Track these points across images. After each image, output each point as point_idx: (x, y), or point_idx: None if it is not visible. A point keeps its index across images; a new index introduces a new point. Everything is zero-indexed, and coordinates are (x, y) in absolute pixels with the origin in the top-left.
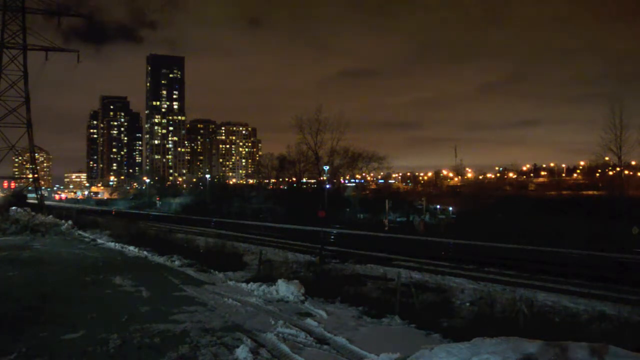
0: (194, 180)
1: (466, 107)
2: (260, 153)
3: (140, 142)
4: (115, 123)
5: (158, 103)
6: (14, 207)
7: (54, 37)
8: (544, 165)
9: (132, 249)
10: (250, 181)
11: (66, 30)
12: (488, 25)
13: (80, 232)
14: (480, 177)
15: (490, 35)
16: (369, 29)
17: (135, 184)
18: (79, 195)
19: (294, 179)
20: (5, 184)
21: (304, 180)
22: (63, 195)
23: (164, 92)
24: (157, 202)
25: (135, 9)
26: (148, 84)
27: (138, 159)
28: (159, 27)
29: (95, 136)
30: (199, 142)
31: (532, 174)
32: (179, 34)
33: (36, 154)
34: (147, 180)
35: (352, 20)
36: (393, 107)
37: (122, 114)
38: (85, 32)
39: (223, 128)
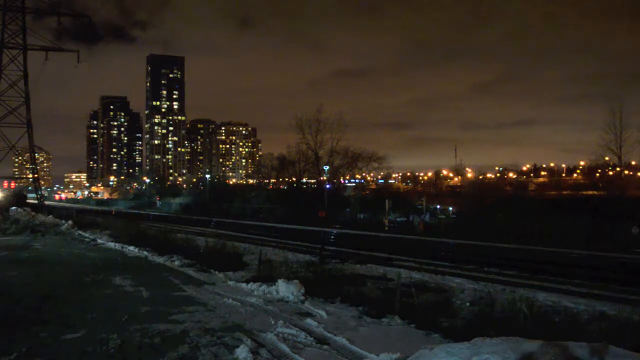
0: (194, 180)
1: (462, 107)
2: (260, 153)
3: (140, 142)
4: (115, 123)
5: (158, 103)
6: (14, 207)
7: (52, 37)
8: (544, 165)
9: (132, 249)
10: (250, 181)
11: (64, 30)
12: (480, 24)
13: (80, 232)
14: (480, 177)
15: (483, 34)
16: (362, 29)
17: (135, 184)
18: (79, 195)
19: (294, 179)
20: (5, 184)
21: (304, 180)
22: (63, 195)
23: (164, 92)
24: (157, 202)
25: (131, 10)
26: (148, 84)
27: (138, 159)
28: (154, 28)
29: (95, 136)
30: (199, 142)
31: (532, 174)
32: (173, 35)
33: (36, 154)
34: (147, 180)
35: (345, 20)
36: (389, 107)
37: (122, 114)
38: (83, 33)
39: (223, 128)
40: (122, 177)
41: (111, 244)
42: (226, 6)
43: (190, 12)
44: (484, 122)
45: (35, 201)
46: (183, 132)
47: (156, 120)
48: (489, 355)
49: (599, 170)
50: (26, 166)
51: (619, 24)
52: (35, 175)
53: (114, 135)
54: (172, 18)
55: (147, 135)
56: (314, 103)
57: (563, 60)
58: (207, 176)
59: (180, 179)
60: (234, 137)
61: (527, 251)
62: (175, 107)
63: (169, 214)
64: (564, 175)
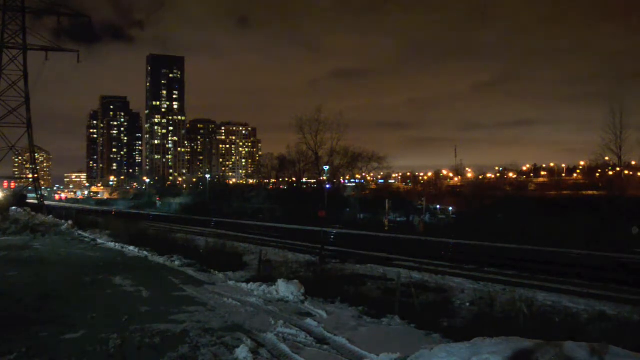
0: (194, 180)
1: (461, 107)
2: (260, 153)
3: (140, 142)
4: (115, 123)
5: (158, 103)
6: (14, 207)
7: (52, 37)
8: (544, 165)
9: (132, 249)
10: (250, 181)
11: (64, 31)
12: (480, 24)
13: (80, 232)
14: (480, 177)
15: (483, 34)
16: (361, 29)
17: (135, 184)
18: (79, 195)
19: (294, 179)
20: (5, 184)
21: (304, 180)
22: (63, 195)
23: (164, 92)
24: (157, 202)
25: (129, 10)
26: (148, 84)
27: (138, 159)
28: (153, 28)
29: (95, 136)
30: (199, 142)
31: (532, 174)
32: (173, 35)
33: (36, 154)
34: (147, 180)
35: (344, 20)
36: (388, 106)
37: (122, 114)
38: (83, 33)
39: (223, 128)
40: (122, 177)
41: (111, 244)
42: (225, 6)
43: (189, 12)
44: (483, 122)
45: (35, 201)
46: (183, 132)
47: (156, 120)
48: (489, 355)
49: (599, 170)
50: (26, 166)
51: (618, 24)
52: (35, 175)
53: (114, 135)
54: (171, 18)
55: (147, 135)
56: (313, 103)
57: (563, 60)
58: (207, 176)
59: (180, 179)
60: (234, 137)
61: (527, 251)
62: (175, 107)
63: (169, 214)
64: (564, 175)
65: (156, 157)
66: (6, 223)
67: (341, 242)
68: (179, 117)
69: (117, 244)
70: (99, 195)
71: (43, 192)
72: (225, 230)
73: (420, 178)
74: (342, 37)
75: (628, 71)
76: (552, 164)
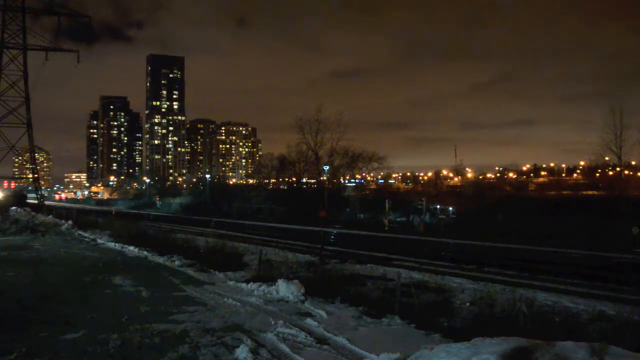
0: (194, 180)
1: (461, 107)
2: (260, 153)
3: (140, 142)
4: (115, 123)
5: (158, 103)
6: (14, 207)
7: (51, 37)
8: (544, 165)
9: (132, 249)
10: (250, 181)
11: (63, 30)
12: (479, 24)
13: (80, 232)
14: (480, 177)
15: (482, 34)
16: (360, 29)
17: (135, 184)
18: (79, 195)
19: (294, 179)
20: (5, 184)
21: (304, 180)
22: (63, 195)
23: (164, 92)
24: (157, 202)
25: (128, 10)
26: (148, 84)
27: (138, 159)
28: (152, 28)
29: (95, 136)
30: (199, 142)
31: (532, 174)
32: (173, 35)
33: (36, 154)
34: (147, 180)
35: (343, 20)
36: (388, 106)
37: (122, 114)
38: (82, 33)
39: (223, 128)
40: (122, 177)
41: (111, 244)
42: (225, 6)
43: (189, 12)
44: (483, 122)
45: (35, 201)
46: (183, 132)
47: (156, 120)
48: (489, 355)
49: (599, 170)
50: (26, 166)
51: (618, 24)
52: (35, 175)
53: (114, 135)
54: (171, 18)
55: (147, 135)
56: (313, 103)
57: (563, 60)
58: (207, 176)
59: (180, 179)
60: (234, 137)
61: (527, 251)
62: (175, 107)
63: (169, 214)
64: (564, 175)
65: (156, 157)
66: (6, 223)
67: (341, 242)
68: (179, 117)
69: (117, 244)
70: (99, 195)
71: (43, 192)
72: (225, 230)
73: (420, 178)
74: (342, 37)
75: (628, 71)
76: (552, 164)
